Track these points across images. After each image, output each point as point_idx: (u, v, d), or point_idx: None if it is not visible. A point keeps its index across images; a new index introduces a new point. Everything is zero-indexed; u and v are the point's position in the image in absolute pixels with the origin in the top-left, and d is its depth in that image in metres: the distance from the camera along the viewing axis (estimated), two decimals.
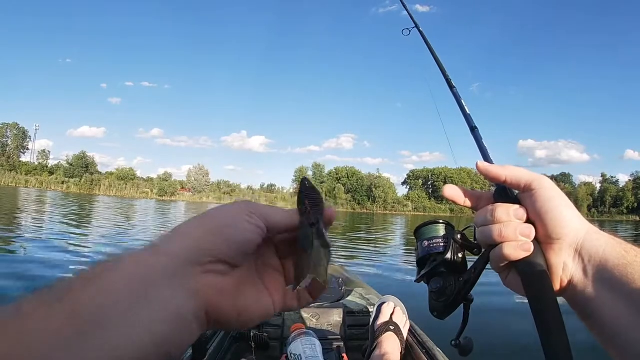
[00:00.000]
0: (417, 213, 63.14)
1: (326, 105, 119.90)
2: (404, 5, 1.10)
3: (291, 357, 1.24)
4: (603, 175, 75.09)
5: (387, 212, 64.38)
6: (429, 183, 73.80)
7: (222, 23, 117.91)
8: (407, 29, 1.07)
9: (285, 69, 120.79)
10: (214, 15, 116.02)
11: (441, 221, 0.61)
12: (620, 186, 71.60)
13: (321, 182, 68.61)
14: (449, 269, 0.56)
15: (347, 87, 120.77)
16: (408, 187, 76.02)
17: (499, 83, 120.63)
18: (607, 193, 70.59)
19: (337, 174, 70.31)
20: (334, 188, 67.12)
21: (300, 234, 0.39)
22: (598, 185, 74.37)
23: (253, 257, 0.39)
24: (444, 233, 0.60)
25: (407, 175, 77.43)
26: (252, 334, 1.39)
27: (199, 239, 0.34)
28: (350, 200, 67.30)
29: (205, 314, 0.34)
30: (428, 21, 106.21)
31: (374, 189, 67.32)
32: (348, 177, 69.80)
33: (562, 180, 72.02)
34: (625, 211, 68.19)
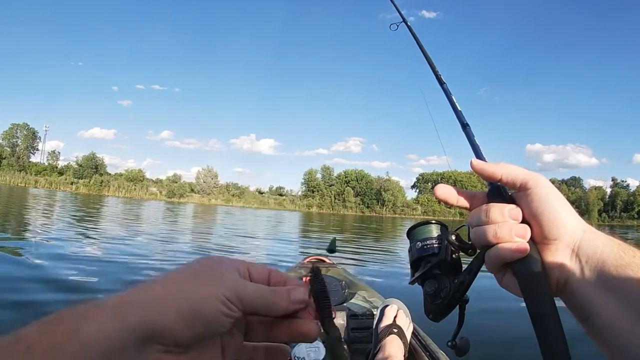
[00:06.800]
0: (427, 217, 62.71)
1: (335, 109, 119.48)
2: (391, 0, 1.09)
3: None
4: (614, 180, 73.97)
5: (397, 215, 64.02)
6: None
7: (232, 27, 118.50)
8: (395, 23, 1.05)
9: (294, 72, 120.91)
10: (224, 20, 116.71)
11: (434, 221, 0.60)
12: (631, 190, 70.70)
13: (330, 185, 68.55)
14: (444, 271, 0.56)
15: (356, 91, 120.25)
16: (417, 190, 75.70)
17: (507, 87, 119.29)
18: (617, 197, 69.59)
19: (346, 177, 70.04)
20: (343, 191, 66.97)
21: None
22: (608, 190, 73.52)
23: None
24: (438, 234, 0.59)
25: (417, 178, 76.89)
26: None
27: (165, 316, 0.31)
28: (359, 204, 67.06)
29: None
30: (435, 27, 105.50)
31: (383, 193, 67.02)
32: (357, 181, 69.52)
33: (572, 184, 71.01)
34: (636, 216, 66.98)
